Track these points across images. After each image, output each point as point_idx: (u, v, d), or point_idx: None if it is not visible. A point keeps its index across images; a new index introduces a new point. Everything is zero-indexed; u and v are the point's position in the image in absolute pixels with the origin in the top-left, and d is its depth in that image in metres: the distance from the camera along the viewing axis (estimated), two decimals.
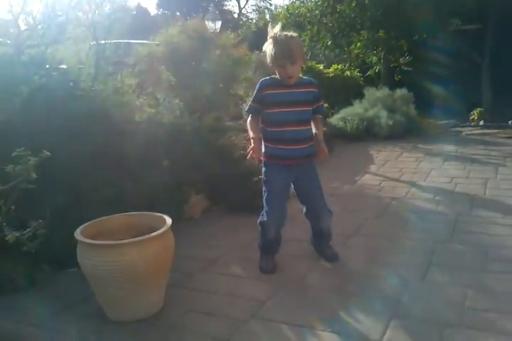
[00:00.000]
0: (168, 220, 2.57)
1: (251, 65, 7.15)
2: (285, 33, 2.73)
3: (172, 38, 6.20)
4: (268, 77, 2.88)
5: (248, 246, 3.31)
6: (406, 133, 7.66)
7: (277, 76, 2.79)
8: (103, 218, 2.71)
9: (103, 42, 7.09)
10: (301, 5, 9.56)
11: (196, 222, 3.92)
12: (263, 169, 2.91)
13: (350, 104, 8.45)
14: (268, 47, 2.70)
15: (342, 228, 3.60)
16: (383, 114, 7.70)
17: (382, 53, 8.92)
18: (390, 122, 7.47)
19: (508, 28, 8.53)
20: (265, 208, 2.89)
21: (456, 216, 3.80)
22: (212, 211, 4.15)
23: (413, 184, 4.87)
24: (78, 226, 2.49)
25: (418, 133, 7.79)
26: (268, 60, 2.73)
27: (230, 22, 38.32)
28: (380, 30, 8.27)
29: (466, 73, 9.62)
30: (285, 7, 9.97)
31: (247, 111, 2.93)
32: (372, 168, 5.68)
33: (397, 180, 5.05)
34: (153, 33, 7.04)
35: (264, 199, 2.90)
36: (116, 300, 2.44)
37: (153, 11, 40.17)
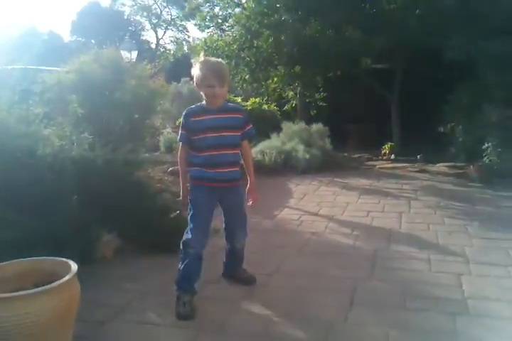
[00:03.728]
0: (74, 266, 2.32)
1: (168, 96, 7.02)
2: (215, 59, 2.90)
3: (84, 66, 5.93)
4: (193, 106, 2.93)
5: (164, 290, 3.10)
6: (322, 166, 7.80)
7: (202, 102, 2.87)
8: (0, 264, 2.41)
9: (8, 67, 6.66)
10: (219, 38, 9.64)
11: (108, 264, 3.64)
12: (190, 191, 2.93)
13: (268, 137, 8.51)
14: (197, 70, 2.78)
15: (263, 265, 3.50)
16: (300, 147, 7.81)
17: (299, 88, 9.13)
18: (307, 156, 7.57)
19: (414, 67, 9.05)
20: (189, 226, 2.87)
21: (374, 251, 3.81)
22: (127, 251, 3.87)
23: (331, 218, 4.88)
24: None
25: (334, 167, 7.97)
26: (196, 81, 2.80)
27: (147, 52, 38.28)
28: (297, 66, 8.49)
29: (377, 109, 10.08)
30: (203, 40, 10.01)
31: (178, 140, 2.95)
32: (291, 201, 5.67)
33: (316, 214, 5.05)
34: (66, 60, 6.73)
35: (189, 218, 2.88)
36: None
37: (67, 37, 39.15)
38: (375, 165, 8.42)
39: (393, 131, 9.50)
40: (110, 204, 3.87)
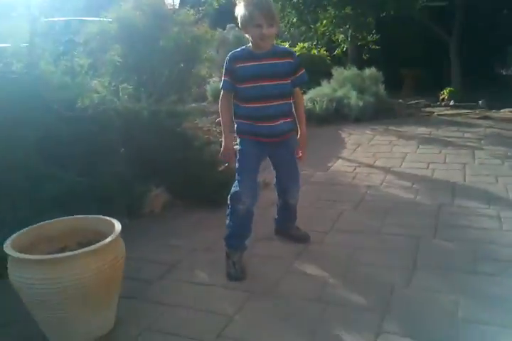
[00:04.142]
0: (118, 226, 2.18)
1: (213, 43, 6.69)
2: None
3: (125, 13, 5.67)
4: (238, 49, 2.63)
5: (213, 247, 2.97)
6: (376, 114, 7.39)
7: (248, 45, 2.57)
8: (42, 223, 2.31)
9: (53, 19, 6.48)
10: None
11: (156, 218, 3.54)
12: (238, 143, 2.72)
13: (318, 84, 8.10)
14: (241, 8, 2.47)
15: (317, 222, 3.31)
16: (353, 94, 7.39)
17: (350, 31, 8.55)
18: (360, 103, 7.16)
19: (476, 6, 8.28)
20: (237, 179, 2.65)
21: (437, 207, 3.52)
22: (175, 205, 3.75)
23: (388, 170, 4.58)
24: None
25: (389, 114, 7.55)
26: (240, 21, 2.50)
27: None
28: (347, 7, 7.89)
29: (434, 52, 9.41)
30: None
31: (221, 86, 2.66)
32: (345, 152, 5.37)
33: (372, 166, 4.76)
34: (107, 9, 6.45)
35: (236, 170, 2.68)
36: (59, 322, 2.05)
37: None
38: (433, 112, 7.90)
39: (452, 75, 8.85)
40: (156, 158, 3.73)
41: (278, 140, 2.65)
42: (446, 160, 4.82)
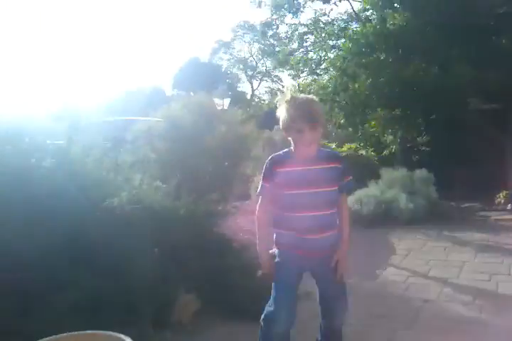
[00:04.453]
0: None
1: (259, 141, 6.68)
2: (304, 95, 2.33)
3: (173, 112, 5.79)
4: (281, 152, 2.40)
5: None
6: (428, 217, 6.99)
7: (291, 148, 2.33)
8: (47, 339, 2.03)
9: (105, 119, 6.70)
10: (312, 82, 9.31)
11: (183, 330, 3.18)
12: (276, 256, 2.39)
13: (366, 185, 7.86)
14: (283, 110, 2.28)
15: None
16: (402, 196, 7.08)
17: (399, 132, 8.47)
18: (411, 205, 6.82)
19: None
20: (272, 296, 2.34)
21: (507, 328, 3.02)
22: (205, 314, 3.39)
23: (445, 281, 4.12)
24: None
25: (441, 218, 7.12)
26: (282, 125, 2.29)
27: (242, 102, 39.29)
28: (396, 109, 7.87)
29: (487, 152, 9.11)
30: (295, 85, 9.74)
31: (258, 192, 2.42)
32: (395, 259, 4.95)
33: (426, 276, 4.30)
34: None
35: (273, 286, 2.36)
36: None
37: (169, 91, 41.36)
38: (489, 216, 7.41)
39: (508, 177, 8.44)
40: (190, 261, 3.46)
41: (322, 254, 2.34)
42: (511, 272, 4.32)
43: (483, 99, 7.71)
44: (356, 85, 7.87)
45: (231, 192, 6.75)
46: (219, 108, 8.27)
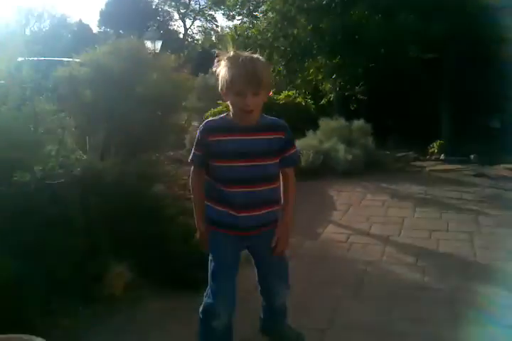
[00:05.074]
0: None
1: (194, 90, 6.25)
2: (249, 54, 1.98)
3: (100, 57, 5.21)
4: (215, 118, 2.12)
5: None
6: (366, 168, 6.97)
7: (229, 113, 2.05)
8: None
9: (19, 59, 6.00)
10: (250, 26, 8.80)
11: (115, 304, 2.92)
12: (209, 237, 2.16)
13: (304, 134, 7.68)
14: (222, 69, 1.97)
15: (311, 314, 2.75)
16: (341, 147, 6.97)
17: (338, 81, 8.24)
18: (349, 157, 6.74)
19: (467, 58, 8.08)
20: (210, 286, 2.10)
21: (451, 293, 3.00)
22: (140, 286, 3.14)
23: (386, 239, 4.07)
24: None
25: (378, 168, 7.14)
26: (220, 85, 1.98)
27: (175, 42, 37.65)
28: (337, 58, 7.58)
29: (424, 103, 9.14)
30: (233, 28, 9.20)
31: (190, 160, 2.16)
32: (335, 215, 4.86)
33: (367, 234, 4.24)
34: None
35: (209, 274, 2.13)
36: None
37: (95, 28, 38.82)
38: (424, 167, 7.50)
39: (442, 128, 8.54)
40: (121, 229, 3.15)
41: (260, 232, 2.11)
42: (450, 228, 4.34)
43: (422, 48, 7.56)
44: (295, 31, 7.48)
45: (164, 143, 6.38)
46: (150, 52, 7.65)
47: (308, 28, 7.21)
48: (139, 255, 3.17)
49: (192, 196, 2.20)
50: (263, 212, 2.07)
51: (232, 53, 1.95)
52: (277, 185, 2.12)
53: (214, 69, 2.01)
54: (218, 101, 11.21)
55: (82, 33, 34.90)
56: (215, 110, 11.00)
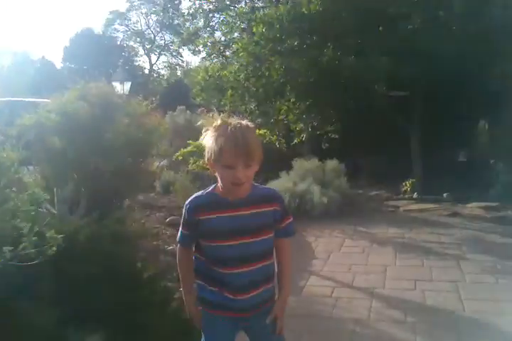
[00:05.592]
0: None
1: (167, 136, 6.12)
2: (237, 120, 1.83)
3: (68, 104, 5.05)
4: (201, 194, 1.93)
5: None
6: (340, 209, 6.92)
7: (217, 185, 1.89)
8: None
9: None
10: (220, 66, 8.78)
11: None
12: (202, 318, 1.99)
13: (278, 175, 7.61)
14: (209, 140, 1.81)
15: None
16: (316, 189, 6.89)
17: (310, 121, 8.24)
18: (325, 199, 6.66)
19: (436, 96, 8.24)
20: None
21: None
22: None
23: (372, 293, 3.94)
24: None
25: (352, 209, 7.12)
26: (207, 156, 1.82)
27: (140, 78, 37.65)
28: (310, 98, 7.59)
29: (393, 141, 9.23)
30: (203, 68, 9.16)
31: (178, 239, 2.00)
32: (316, 264, 4.72)
33: (351, 287, 4.10)
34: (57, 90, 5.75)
35: None
36: None
37: (59, 64, 38.53)
38: (398, 207, 7.49)
39: (413, 166, 8.60)
40: (94, 297, 2.93)
41: (256, 312, 1.95)
42: (433, 277, 4.25)
43: (392, 86, 7.66)
44: (267, 73, 7.48)
45: (135, 189, 6.19)
46: (119, 94, 7.53)
47: (281, 69, 7.22)
48: (112, 326, 2.94)
49: (180, 275, 2.04)
50: (261, 290, 1.92)
51: (219, 122, 1.81)
52: (273, 259, 1.98)
53: (202, 139, 1.87)
54: (189, 141, 11.16)
55: (46, 69, 34.59)
56: (185, 150, 10.92)
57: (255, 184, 1.94)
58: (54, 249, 2.14)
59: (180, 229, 1.96)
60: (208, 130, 1.84)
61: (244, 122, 1.85)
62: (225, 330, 1.94)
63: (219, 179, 1.85)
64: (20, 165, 5.19)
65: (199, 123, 1.95)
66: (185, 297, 2.02)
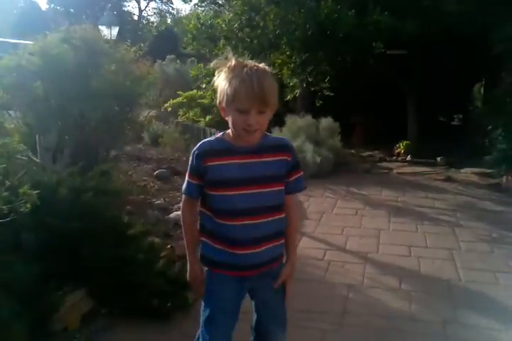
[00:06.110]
0: None
1: (156, 85, 5.80)
2: (254, 63, 1.67)
3: (52, 47, 4.69)
4: (210, 139, 1.79)
5: None
6: (333, 168, 6.77)
7: (227, 132, 1.75)
8: None
9: None
10: (213, 14, 8.31)
11: (71, 338, 2.55)
12: (205, 280, 1.85)
13: (269, 132, 7.35)
14: (222, 81, 1.66)
15: None
16: (309, 147, 6.69)
17: (306, 76, 7.90)
18: (318, 159, 6.47)
19: (435, 56, 7.94)
20: (202, 335, 1.80)
21: (442, 325, 2.78)
22: (99, 316, 2.77)
23: (365, 257, 3.82)
24: None
25: (344, 169, 6.98)
26: (219, 99, 1.68)
27: (129, 24, 36.38)
28: (306, 53, 7.22)
29: (390, 100, 9.00)
30: (195, 15, 8.67)
31: (183, 191, 1.84)
32: (308, 225, 4.57)
33: (344, 250, 3.98)
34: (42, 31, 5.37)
35: (202, 321, 1.82)
36: None
37: (44, 5, 36.96)
38: (391, 169, 7.34)
39: (408, 127, 8.39)
40: (78, 251, 2.76)
41: (265, 269, 1.80)
42: (428, 243, 4.14)
43: (391, 44, 7.32)
44: (263, 23, 7.07)
45: (122, 140, 5.94)
46: (106, 38, 7.11)
47: (277, 20, 6.82)
48: (98, 280, 2.79)
49: (183, 232, 1.88)
50: (270, 246, 1.77)
51: (233, 62, 1.63)
52: (284, 214, 1.81)
53: (214, 81, 1.70)
54: (178, 92, 10.77)
55: (30, 10, 33.17)
56: (174, 101, 10.56)
57: (267, 133, 1.78)
58: (28, 206, 1.92)
59: (187, 178, 1.78)
60: (221, 71, 1.67)
61: (262, 65, 1.68)
62: (231, 290, 1.79)
63: (230, 124, 1.69)
64: (1, 110, 4.89)
65: (212, 64, 1.75)
66: (189, 257, 1.87)
